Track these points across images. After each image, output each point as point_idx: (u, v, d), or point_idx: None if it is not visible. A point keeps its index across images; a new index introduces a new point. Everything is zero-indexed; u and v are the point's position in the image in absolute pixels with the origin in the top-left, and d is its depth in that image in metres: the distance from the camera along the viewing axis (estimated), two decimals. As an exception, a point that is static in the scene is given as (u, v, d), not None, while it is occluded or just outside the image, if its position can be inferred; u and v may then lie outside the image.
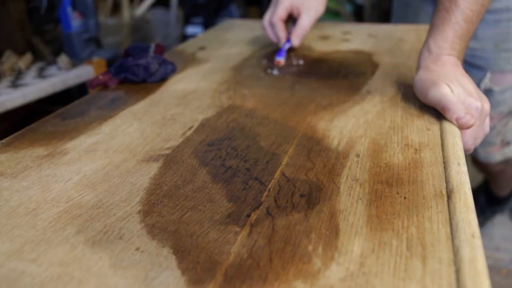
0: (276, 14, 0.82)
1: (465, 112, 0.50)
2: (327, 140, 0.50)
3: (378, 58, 0.81)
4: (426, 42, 0.60)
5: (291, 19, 0.86)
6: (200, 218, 0.36)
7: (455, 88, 0.52)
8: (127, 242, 0.33)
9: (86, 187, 0.41)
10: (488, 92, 0.92)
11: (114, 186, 0.41)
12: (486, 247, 1.26)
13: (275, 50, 0.87)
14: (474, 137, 0.53)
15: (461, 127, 0.51)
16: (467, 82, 0.54)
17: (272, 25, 0.84)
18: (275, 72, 0.74)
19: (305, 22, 0.82)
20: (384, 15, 2.71)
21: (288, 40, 0.83)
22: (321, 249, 0.32)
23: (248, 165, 0.45)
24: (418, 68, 0.60)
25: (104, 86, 0.68)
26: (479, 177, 1.41)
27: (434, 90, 0.53)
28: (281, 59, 0.78)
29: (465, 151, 0.52)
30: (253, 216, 0.36)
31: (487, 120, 0.55)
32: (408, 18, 1.07)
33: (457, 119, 0.50)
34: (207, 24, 2.50)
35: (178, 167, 0.45)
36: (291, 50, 0.85)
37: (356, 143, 0.48)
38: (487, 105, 0.53)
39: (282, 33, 0.83)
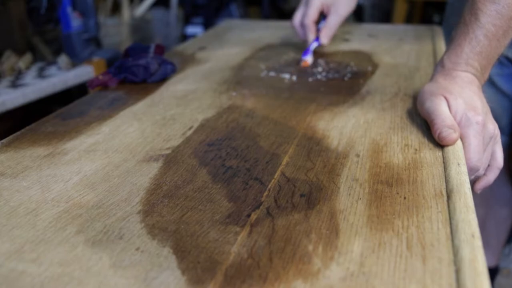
0: (308, 15, 0.82)
1: (448, 127, 0.46)
2: (327, 140, 0.50)
3: (378, 58, 0.81)
4: (442, 56, 0.56)
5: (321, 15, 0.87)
6: (200, 218, 0.36)
7: (453, 100, 0.49)
8: (127, 242, 0.33)
9: (86, 187, 0.41)
10: None
11: (114, 186, 0.41)
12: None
13: (274, 53, 0.87)
14: (478, 152, 0.48)
15: (442, 143, 0.46)
16: (474, 97, 0.50)
17: (303, 26, 0.84)
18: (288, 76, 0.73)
19: (333, 21, 0.83)
20: (384, 15, 2.71)
21: (316, 39, 0.84)
22: (321, 249, 0.32)
23: (248, 165, 0.45)
24: (429, 81, 0.56)
25: (104, 86, 0.68)
26: None
27: (428, 102, 0.50)
28: (307, 59, 0.78)
29: (472, 169, 0.48)
30: (253, 216, 0.36)
31: (498, 150, 0.51)
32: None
33: (438, 135, 0.46)
34: (207, 24, 2.51)
35: (178, 167, 0.45)
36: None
37: (356, 143, 0.48)
38: (492, 126, 0.49)
39: (312, 35, 0.83)
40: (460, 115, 0.48)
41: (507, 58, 0.87)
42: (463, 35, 0.53)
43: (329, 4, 0.82)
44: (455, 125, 0.47)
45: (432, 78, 0.56)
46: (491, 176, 0.53)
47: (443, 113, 0.47)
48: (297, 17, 0.86)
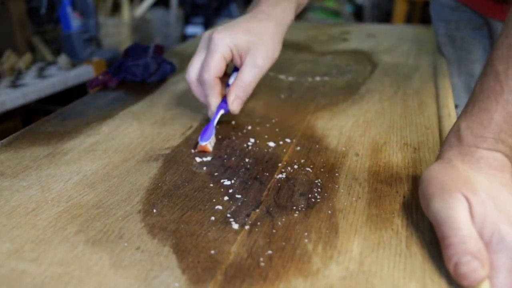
0: (209, 68, 0.51)
1: (472, 255, 0.28)
2: (327, 139, 0.50)
3: (377, 57, 0.81)
4: (456, 121, 0.38)
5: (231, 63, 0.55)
6: (200, 217, 0.36)
7: (478, 205, 0.31)
8: (128, 242, 0.33)
9: (86, 187, 0.41)
10: None
11: (114, 186, 0.41)
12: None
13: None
14: (508, 285, 0.29)
15: (461, 282, 0.28)
16: (510, 198, 0.32)
17: (201, 82, 0.52)
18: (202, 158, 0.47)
19: (248, 77, 0.52)
20: (384, 15, 2.71)
21: (223, 101, 0.53)
22: (321, 248, 0.32)
23: (247, 165, 0.45)
24: (437, 157, 0.38)
25: (104, 86, 0.68)
26: None
27: (438, 202, 0.32)
28: (206, 143, 0.48)
29: None
30: (253, 216, 0.36)
31: None
32: (455, 55, 0.78)
33: (455, 266, 0.28)
34: (207, 24, 2.51)
35: (178, 167, 0.45)
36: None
37: (356, 142, 0.49)
38: None
39: (215, 98, 0.52)
40: (490, 231, 0.30)
41: None
42: (494, 94, 0.35)
43: (242, 51, 0.51)
44: (482, 250, 0.29)
45: (442, 154, 0.37)
46: None
47: (463, 226, 0.30)
48: (194, 67, 0.53)
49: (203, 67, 0.51)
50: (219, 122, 0.53)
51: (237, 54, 0.52)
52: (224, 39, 0.50)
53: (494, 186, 0.33)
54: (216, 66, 0.51)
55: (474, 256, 0.28)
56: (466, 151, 0.35)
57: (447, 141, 0.37)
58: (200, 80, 0.52)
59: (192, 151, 0.48)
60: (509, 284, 0.29)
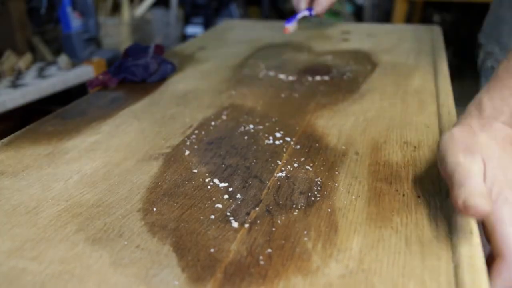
0: None
1: (482, 194, 0.32)
2: (327, 138, 0.50)
3: (377, 57, 0.81)
4: (478, 94, 0.41)
5: None
6: (200, 216, 0.36)
7: (490, 170, 0.35)
8: (128, 240, 0.34)
9: (87, 186, 0.41)
10: None
11: (114, 185, 0.41)
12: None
13: (273, 52, 0.87)
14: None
15: (466, 213, 0.32)
16: None
17: None
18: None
19: None
20: (384, 15, 2.71)
21: (308, 8, 0.83)
22: (321, 246, 0.32)
23: (247, 163, 0.45)
24: (457, 123, 0.40)
25: (104, 86, 0.68)
26: None
27: (459, 158, 0.35)
28: (289, 26, 0.79)
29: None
30: (253, 214, 0.36)
31: None
32: (502, 36, 0.75)
33: (464, 201, 0.32)
34: (207, 24, 2.51)
35: (178, 166, 0.45)
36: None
37: (355, 141, 0.49)
38: None
39: (303, 3, 0.82)
40: (496, 192, 0.34)
41: None
42: None
43: None
44: (488, 195, 0.33)
45: (462, 121, 0.40)
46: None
47: (476, 177, 0.34)
48: None
49: None
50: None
51: None
52: None
53: (504, 157, 0.36)
54: None
55: (483, 194, 0.32)
56: (485, 121, 0.39)
57: (467, 111, 0.41)
58: None
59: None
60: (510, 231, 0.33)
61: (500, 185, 0.34)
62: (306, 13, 0.83)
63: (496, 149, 0.37)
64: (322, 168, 0.43)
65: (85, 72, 1.28)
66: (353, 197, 0.38)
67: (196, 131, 0.52)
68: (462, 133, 0.38)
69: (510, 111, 0.38)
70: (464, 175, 0.34)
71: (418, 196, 0.38)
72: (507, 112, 0.38)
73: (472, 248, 0.31)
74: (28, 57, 1.29)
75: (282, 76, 0.72)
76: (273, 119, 0.55)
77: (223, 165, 0.45)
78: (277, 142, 0.49)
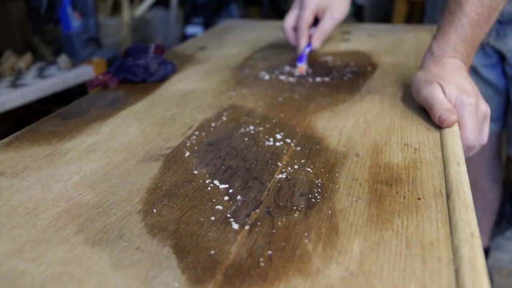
0: (303, 18, 0.78)
1: (447, 110, 0.50)
2: (327, 139, 0.50)
3: (378, 58, 0.81)
4: (430, 44, 0.60)
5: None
6: (200, 217, 0.36)
7: (447, 86, 0.52)
8: (127, 242, 0.33)
9: (86, 187, 0.41)
10: None
11: (114, 186, 0.41)
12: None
13: (273, 53, 0.87)
14: (474, 132, 0.51)
15: (442, 125, 0.50)
16: (464, 82, 0.54)
17: (296, 29, 0.81)
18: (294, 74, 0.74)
19: (327, 25, 0.80)
20: (384, 15, 2.71)
21: (309, 44, 0.80)
22: (321, 248, 0.32)
23: (247, 165, 0.45)
24: (420, 69, 0.60)
25: (104, 86, 0.68)
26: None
27: (425, 89, 0.53)
28: (303, 66, 0.75)
29: (469, 148, 0.52)
30: (253, 216, 0.36)
31: (486, 128, 0.54)
32: (437, 18, 0.98)
33: (438, 118, 0.50)
34: (207, 24, 2.51)
35: (178, 167, 0.45)
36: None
37: (356, 142, 0.49)
38: (484, 106, 0.53)
39: (305, 40, 0.79)
40: (454, 99, 0.51)
41: (492, 48, 0.89)
42: (449, 23, 0.57)
43: (323, 8, 0.79)
44: (453, 108, 0.51)
45: (422, 66, 0.60)
46: (483, 138, 0.55)
47: (440, 98, 0.51)
48: (290, 20, 0.81)
49: (298, 18, 0.80)
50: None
51: (321, 10, 0.79)
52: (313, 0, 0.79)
53: (455, 76, 0.54)
54: (308, 17, 0.79)
55: (448, 110, 0.50)
56: (436, 60, 0.58)
57: (424, 56, 0.61)
58: (296, 27, 0.80)
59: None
60: (471, 124, 0.51)
61: (456, 93, 0.52)
62: (308, 49, 0.79)
63: (448, 74, 0.55)
64: (322, 169, 0.43)
65: (85, 72, 1.28)
66: (354, 199, 0.38)
67: (196, 132, 0.52)
68: (424, 73, 0.57)
69: (451, 49, 0.57)
70: (432, 99, 0.51)
71: (419, 198, 0.38)
72: (449, 49, 0.57)
73: (473, 251, 0.31)
74: (28, 57, 1.28)
75: (282, 77, 0.72)
76: (274, 120, 0.55)
77: (223, 167, 0.44)
78: (277, 144, 0.49)
